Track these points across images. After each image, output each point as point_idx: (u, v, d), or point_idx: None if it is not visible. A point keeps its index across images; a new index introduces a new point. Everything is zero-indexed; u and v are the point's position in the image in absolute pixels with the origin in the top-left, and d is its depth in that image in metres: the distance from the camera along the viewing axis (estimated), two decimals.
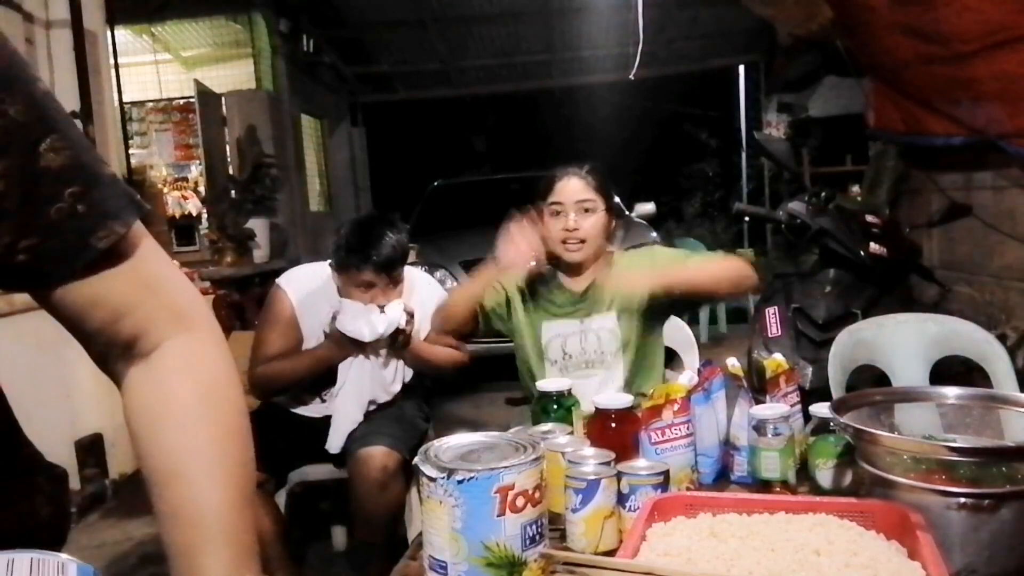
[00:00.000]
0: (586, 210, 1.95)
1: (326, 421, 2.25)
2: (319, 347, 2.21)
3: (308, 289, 2.26)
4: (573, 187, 1.96)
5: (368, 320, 2.12)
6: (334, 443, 2.21)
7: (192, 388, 0.68)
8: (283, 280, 2.30)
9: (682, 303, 2.04)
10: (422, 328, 2.30)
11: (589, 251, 1.97)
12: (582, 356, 1.96)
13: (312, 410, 2.30)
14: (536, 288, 2.01)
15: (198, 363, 0.69)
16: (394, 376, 2.30)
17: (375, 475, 2.04)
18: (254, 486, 0.72)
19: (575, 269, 2.00)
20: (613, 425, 1.29)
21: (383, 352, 2.24)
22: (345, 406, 2.23)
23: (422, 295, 2.32)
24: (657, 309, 1.99)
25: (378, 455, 2.06)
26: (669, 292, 1.89)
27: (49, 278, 0.63)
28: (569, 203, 1.95)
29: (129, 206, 0.66)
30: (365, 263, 2.12)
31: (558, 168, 2.03)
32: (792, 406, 1.42)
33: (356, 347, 2.18)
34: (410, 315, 2.18)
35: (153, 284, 0.68)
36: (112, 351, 0.69)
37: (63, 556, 0.59)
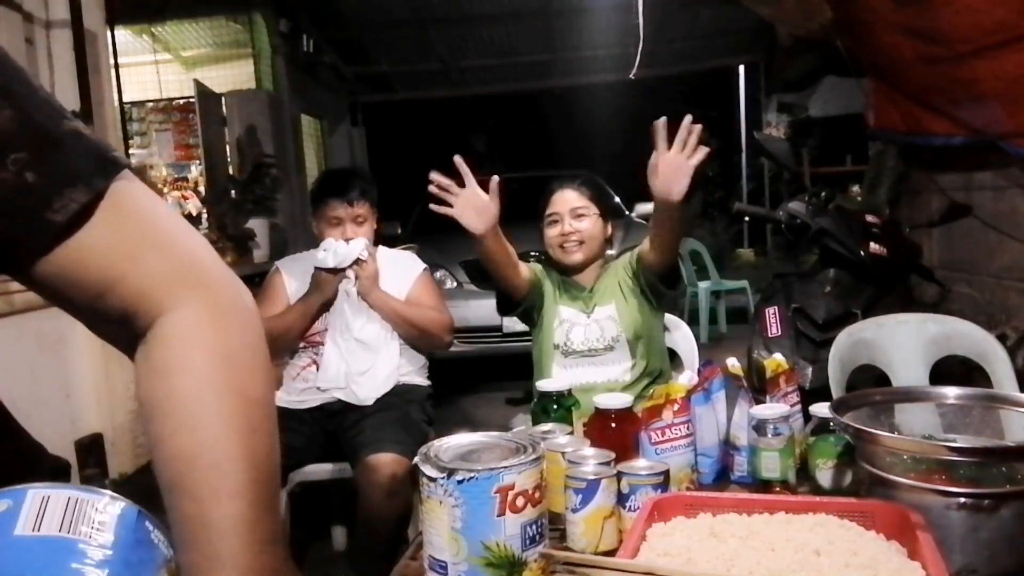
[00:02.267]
0: (580, 216, 2.08)
1: (324, 415, 2.26)
2: (306, 299, 2.37)
3: (301, 268, 2.44)
4: (567, 197, 2.10)
5: (334, 250, 2.33)
6: (326, 379, 2.32)
7: (189, 377, 0.56)
8: (280, 261, 2.57)
9: (663, 271, 2.04)
10: (390, 283, 2.42)
11: (588, 251, 2.08)
12: (584, 345, 2.05)
13: (305, 398, 2.31)
14: (557, 275, 2.14)
15: (196, 344, 0.57)
16: (377, 337, 2.36)
17: (384, 482, 2.04)
18: (275, 487, 0.61)
19: (577, 270, 2.11)
20: (613, 425, 1.29)
21: (353, 290, 2.38)
22: (330, 356, 2.34)
23: (397, 264, 2.48)
24: (647, 283, 2.06)
25: (387, 462, 2.06)
26: (650, 253, 1.98)
27: (6, 261, 0.55)
28: (564, 211, 2.08)
29: (95, 168, 0.56)
30: (331, 198, 2.37)
31: (552, 182, 2.16)
32: (792, 406, 1.42)
33: (330, 281, 2.34)
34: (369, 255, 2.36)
35: (138, 251, 0.57)
36: (109, 331, 0.60)
37: (105, 494, 0.54)
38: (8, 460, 0.69)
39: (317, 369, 2.35)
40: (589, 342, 2.04)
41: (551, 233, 2.10)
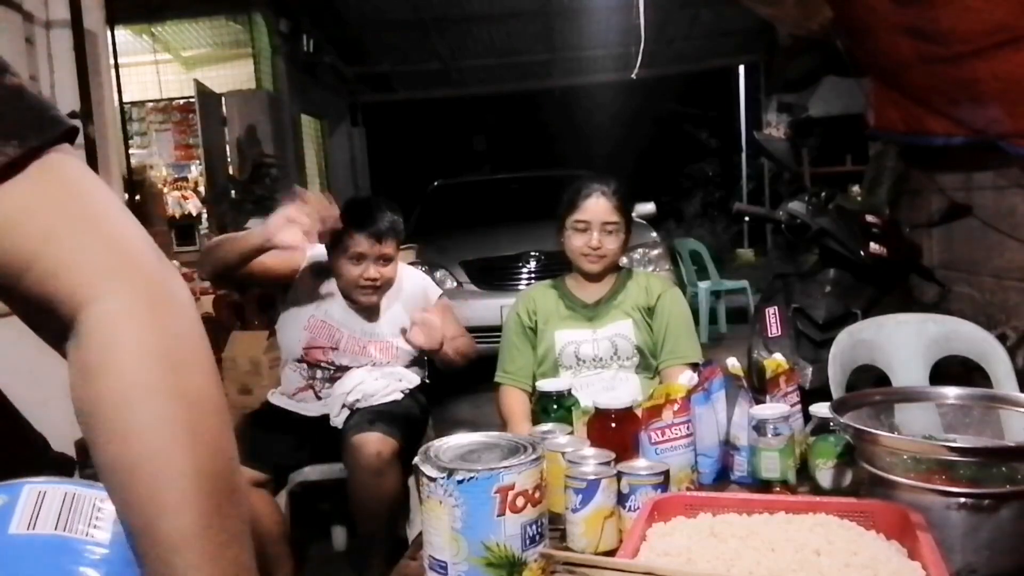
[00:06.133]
0: (610, 231, 2.02)
1: (326, 419, 2.26)
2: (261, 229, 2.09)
3: (322, 254, 2.28)
4: (601, 207, 2.01)
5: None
6: (334, 413, 2.24)
7: (116, 380, 0.51)
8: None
9: None
10: (406, 320, 2.31)
11: (606, 264, 2.05)
12: (596, 362, 2.02)
13: (310, 408, 2.30)
14: (550, 301, 2.10)
15: (124, 341, 0.51)
16: (388, 384, 2.30)
17: (370, 461, 2.04)
18: (229, 487, 0.55)
19: (590, 279, 2.08)
20: (613, 425, 1.29)
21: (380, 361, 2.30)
22: (342, 386, 2.25)
23: (411, 289, 2.38)
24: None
25: (372, 441, 2.06)
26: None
27: None
28: (595, 223, 2.01)
29: (31, 125, 0.52)
30: (357, 231, 2.15)
31: (584, 182, 2.07)
32: (792, 406, 1.42)
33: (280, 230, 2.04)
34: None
35: (57, 229, 0.52)
36: (39, 322, 0.55)
37: (103, 488, 0.51)
38: (14, 448, 0.68)
39: (315, 394, 2.30)
40: (600, 359, 2.02)
41: (577, 242, 2.02)
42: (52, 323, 0.53)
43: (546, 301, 2.10)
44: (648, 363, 2.04)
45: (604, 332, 2.03)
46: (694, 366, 1.96)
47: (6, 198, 0.51)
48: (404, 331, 2.23)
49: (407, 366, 2.37)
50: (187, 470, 0.51)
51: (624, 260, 5.09)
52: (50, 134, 0.53)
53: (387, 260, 2.22)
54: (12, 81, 0.52)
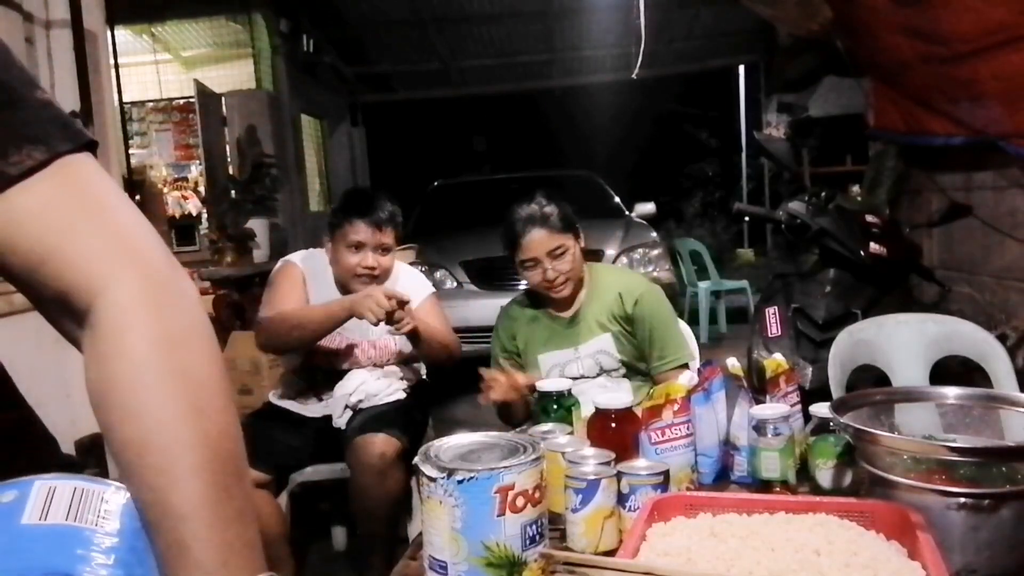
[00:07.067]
0: (558, 255, 1.99)
1: (325, 417, 2.26)
2: (332, 303, 2.15)
3: (315, 266, 2.31)
4: (539, 240, 1.98)
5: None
6: (336, 415, 2.24)
7: (127, 363, 0.55)
8: (292, 256, 2.37)
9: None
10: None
11: (574, 280, 2.04)
12: (583, 379, 2.02)
13: (311, 410, 2.30)
14: (527, 324, 2.10)
15: (132, 327, 0.56)
16: (390, 384, 2.30)
17: (373, 462, 2.05)
18: (236, 466, 0.58)
19: (564, 301, 2.07)
20: (613, 425, 1.29)
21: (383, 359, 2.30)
22: (345, 387, 2.25)
23: (406, 285, 2.35)
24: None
25: (376, 442, 2.06)
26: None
27: None
28: (541, 255, 1.98)
29: (59, 133, 0.57)
30: (358, 218, 2.19)
31: (514, 219, 2.02)
32: (792, 406, 1.42)
33: (367, 307, 2.08)
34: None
35: (74, 225, 0.56)
36: (51, 310, 0.59)
37: (111, 484, 0.54)
38: (27, 447, 0.69)
39: (316, 396, 2.31)
40: (584, 372, 2.02)
41: (534, 279, 2.01)
42: (67, 313, 0.58)
43: (524, 324, 2.10)
44: (637, 369, 2.04)
45: (586, 350, 2.03)
46: (688, 365, 1.96)
47: (29, 195, 0.55)
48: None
49: (405, 364, 2.38)
50: (194, 443, 0.55)
51: (624, 260, 5.07)
52: (74, 143, 0.58)
53: (386, 250, 2.24)
54: (42, 96, 0.58)
